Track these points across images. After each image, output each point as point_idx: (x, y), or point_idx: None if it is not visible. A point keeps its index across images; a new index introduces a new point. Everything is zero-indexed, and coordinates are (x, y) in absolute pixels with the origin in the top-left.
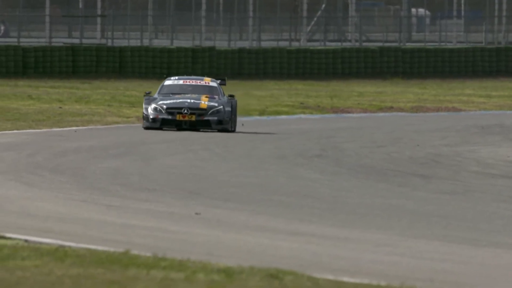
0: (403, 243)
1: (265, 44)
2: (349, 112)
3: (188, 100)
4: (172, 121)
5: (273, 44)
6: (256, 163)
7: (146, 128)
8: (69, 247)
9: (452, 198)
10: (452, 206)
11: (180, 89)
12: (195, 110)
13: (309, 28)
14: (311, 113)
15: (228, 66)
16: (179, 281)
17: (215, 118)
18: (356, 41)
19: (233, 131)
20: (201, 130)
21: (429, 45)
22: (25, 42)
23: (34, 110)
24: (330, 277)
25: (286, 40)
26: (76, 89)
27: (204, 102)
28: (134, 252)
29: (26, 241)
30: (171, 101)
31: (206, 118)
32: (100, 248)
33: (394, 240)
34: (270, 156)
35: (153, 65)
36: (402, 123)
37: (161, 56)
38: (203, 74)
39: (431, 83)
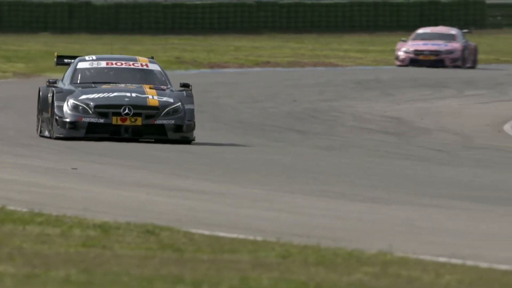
0: (280, 198)
1: None
2: (225, 67)
3: (128, 94)
4: (105, 126)
5: None
6: None
7: (61, 137)
8: None
9: (329, 153)
10: (329, 161)
11: (103, 75)
12: (141, 109)
13: None
14: (187, 68)
15: (104, 21)
16: (55, 237)
17: (172, 122)
18: None
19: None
20: (146, 140)
21: (306, 0)
22: None
23: None
24: (207, 232)
25: None
26: None
27: (152, 96)
28: (10, 207)
29: None
30: (100, 94)
31: (158, 121)
32: None
33: (271, 196)
34: None
35: (30, 19)
36: (279, 78)
37: (38, 11)
38: (80, 29)
39: (308, 38)
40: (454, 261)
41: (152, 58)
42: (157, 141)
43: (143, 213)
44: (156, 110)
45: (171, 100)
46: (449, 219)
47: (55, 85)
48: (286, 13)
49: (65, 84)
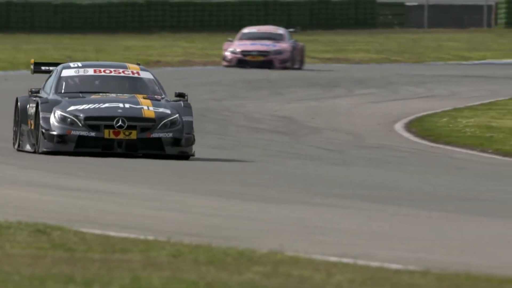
0: (171, 197)
1: None
2: None
3: (121, 104)
4: (97, 140)
5: None
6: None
7: (47, 151)
8: None
9: (221, 152)
10: (220, 160)
11: (90, 83)
12: (136, 121)
13: None
14: None
15: None
16: None
17: (170, 135)
18: None
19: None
20: (140, 154)
21: None
22: None
23: None
24: (98, 231)
25: None
26: None
27: (147, 107)
28: None
29: None
30: (90, 105)
31: (155, 135)
32: None
33: (162, 195)
34: None
35: None
36: (169, 78)
37: None
38: None
39: (198, 37)
40: (345, 260)
41: (139, 64)
42: (152, 156)
43: (34, 212)
44: (152, 123)
45: (168, 112)
46: (341, 218)
47: (38, 94)
48: (177, 12)
49: (48, 94)
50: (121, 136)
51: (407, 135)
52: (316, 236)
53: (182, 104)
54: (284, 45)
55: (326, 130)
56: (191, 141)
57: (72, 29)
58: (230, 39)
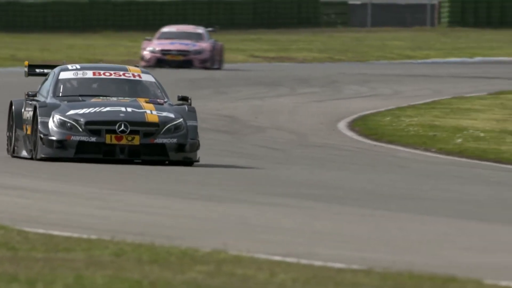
0: (114, 197)
1: None
2: None
3: (123, 108)
4: (98, 145)
5: None
6: None
7: (45, 158)
8: None
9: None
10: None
11: (90, 87)
12: (139, 125)
13: None
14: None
15: None
16: None
17: (174, 140)
18: None
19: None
20: (142, 160)
21: None
22: None
23: None
24: (41, 231)
25: None
26: None
27: (150, 111)
28: None
29: None
30: (91, 109)
31: (158, 140)
32: None
33: (105, 194)
34: None
35: None
36: None
37: None
38: None
39: (142, 36)
40: (288, 259)
41: (137, 66)
42: (155, 163)
43: None
44: (156, 127)
45: (172, 116)
46: (284, 217)
47: (35, 98)
48: (120, 11)
49: (46, 97)
50: (123, 142)
51: (350, 134)
52: (259, 235)
53: (186, 108)
54: (204, 45)
55: (269, 129)
56: (195, 147)
57: (16, 28)
58: (148, 38)
